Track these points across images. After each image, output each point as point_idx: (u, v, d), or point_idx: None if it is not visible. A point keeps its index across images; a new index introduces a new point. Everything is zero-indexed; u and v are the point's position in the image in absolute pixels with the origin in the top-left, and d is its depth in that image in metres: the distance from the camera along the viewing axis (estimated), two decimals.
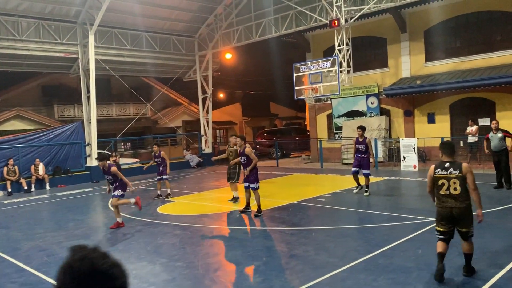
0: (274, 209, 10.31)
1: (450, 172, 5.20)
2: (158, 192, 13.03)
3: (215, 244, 7.57)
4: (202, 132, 24.71)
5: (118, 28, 20.65)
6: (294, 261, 6.28)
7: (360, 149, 11.57)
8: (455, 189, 5.16)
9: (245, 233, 8.38)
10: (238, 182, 11.66)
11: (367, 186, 11.49)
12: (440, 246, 5.23)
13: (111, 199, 9.32)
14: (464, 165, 5.25)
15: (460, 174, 5.17)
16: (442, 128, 17.88)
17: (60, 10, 18.34)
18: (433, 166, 5.38)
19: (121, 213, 9.40)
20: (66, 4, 18.07)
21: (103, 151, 18.02)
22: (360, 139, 11.59)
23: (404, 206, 9.98)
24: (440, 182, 5.24)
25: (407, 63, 18.96)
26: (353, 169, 11.69)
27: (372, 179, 14.38)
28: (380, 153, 18.26)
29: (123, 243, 7.93)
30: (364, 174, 11.52)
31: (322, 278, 5.49)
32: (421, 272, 5.50)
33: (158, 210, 11.09)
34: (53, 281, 5.92)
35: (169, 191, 12.98)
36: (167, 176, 12.84)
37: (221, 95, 37.33)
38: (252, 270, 6.21)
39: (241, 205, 10.49)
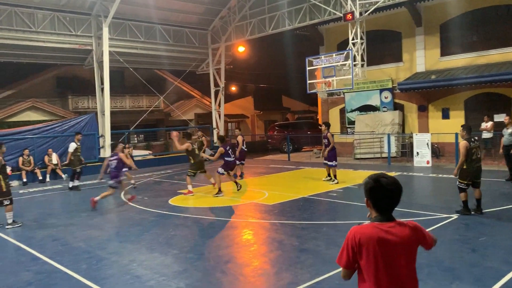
0: (285, 203, 10.32)
1: (476, 143, 7.98)
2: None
3: (227, 237, 7.61)
4: (214, 125, 24.78)
5: (132, 21, 20.74)
6: (304, 255, 6.29)
7: (324, 143, 13.01)
8: (479, 154, 8.00)
9: (256, 226, 8.41)
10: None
11: (334, 176, 12.80)
12: (465, 196, 8.05)
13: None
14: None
15: (479, 144, 8.23)
16: (456, 124, 17.58)
17: (74, 2, 18.47)
18: (466, 142, 7.85)
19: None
20: None
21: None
22: (324, 134, 12.94)
23: (416, 202, 9.90)
24: (473, 151, 7.88)
25: (422, 57, 18.73)
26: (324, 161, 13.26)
27: None
28: (393, 148, 18.11)
29: (135, 234, 8.02)
30: (328, 165, 12.89)
31: (333, 273, 5.49)
32: (432, 269, 5.47)
33: (170, 202, 11.17)
34: (67, 270, 6.04)
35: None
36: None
37: (233, 88, 37.34)
38: (263, 263, 6.23)
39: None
